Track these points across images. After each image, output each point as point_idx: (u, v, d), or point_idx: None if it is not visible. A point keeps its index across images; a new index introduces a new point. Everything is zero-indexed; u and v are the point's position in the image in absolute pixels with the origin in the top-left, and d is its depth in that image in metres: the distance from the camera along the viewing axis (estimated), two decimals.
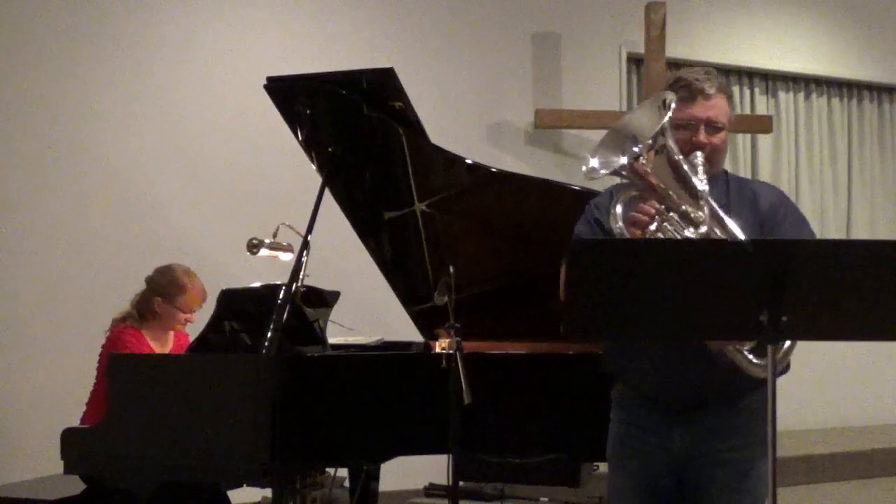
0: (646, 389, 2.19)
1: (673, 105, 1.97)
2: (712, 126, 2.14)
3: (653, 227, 1.94)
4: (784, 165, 6.65)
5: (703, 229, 1.94)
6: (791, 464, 5.45)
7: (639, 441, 2.19)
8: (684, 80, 2.14)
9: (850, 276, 1.72)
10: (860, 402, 6.53)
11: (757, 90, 6.61)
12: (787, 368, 2.04)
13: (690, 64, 6.17)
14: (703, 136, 2.12)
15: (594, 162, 2.00)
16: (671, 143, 1.97)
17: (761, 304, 1.73)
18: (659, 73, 5.60)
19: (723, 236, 1.98)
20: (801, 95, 6.74)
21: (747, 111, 6.51)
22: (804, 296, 1.72)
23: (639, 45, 5.80)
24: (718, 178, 2.20)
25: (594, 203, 2.26)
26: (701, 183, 1.96)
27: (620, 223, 1.96)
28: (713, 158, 2.13)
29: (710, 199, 1.97)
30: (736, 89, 6.52)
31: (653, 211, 1.95)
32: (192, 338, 3.04)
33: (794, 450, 5.63)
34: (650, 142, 1.93)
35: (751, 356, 1.99)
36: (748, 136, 6.52)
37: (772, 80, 6.65)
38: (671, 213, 1.96)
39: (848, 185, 6.86)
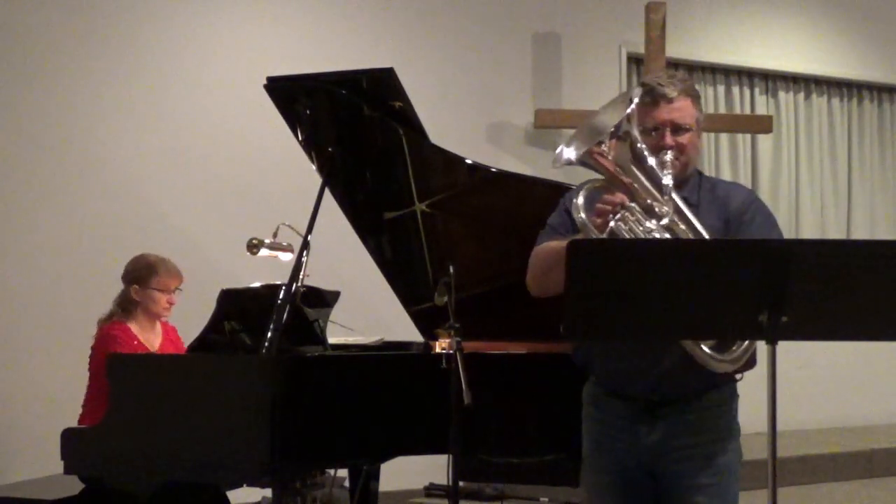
0: (610, 383, 2.24)
1: (636, 100, 2.04)
2: (677, 128, 2.18)
3: (618, 216, 1.99)
4: (784, 165, 6.65)
5: (665, 221, 1.99)
6: (791, 464, 5.45)
7: (609, 438, 2.24)
8: (648, 86, 2.20)
9: (850, 276, 1.72)
10: (860, 402, 6.53)
11: (757, 90, 6.61)
12: (752, 364, 2.08)
13: (690, 64, 6.19)
14: (668, 138, 2.17)
15: (559, 151, 2.08)
16: (635, 132, 2.04)
17: (761, 304, 1.73)
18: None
19: (686, 230, 2.03)
20: (801, 95, 6.74)
21: (747, 111, 6.51)
22: (804, 296, 1.72)
23: (639, 45, 5.80)
24: (691, 179, 2.26)
25: (568, 195, 2.32)
26: (666, 178, 2.03)
27: (583, 214, 2.02)
28: (682, 158, 2.18)
29: (673, 193, 2.03)
30: (736, 89, 6.53)
31: (617, 201, 2.00)
32: (191, 337, 3.04)
33: (793, 450, 5.63)
34: (612, 129, 2.01)
35: (708, 350, 2.02)
36: (748, 136, 6.52)
37: (772, 80, 6.65)
38: (633, 204, 2.01)
39: (848, 185, 6.86)
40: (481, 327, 3.00)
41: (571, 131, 6.19)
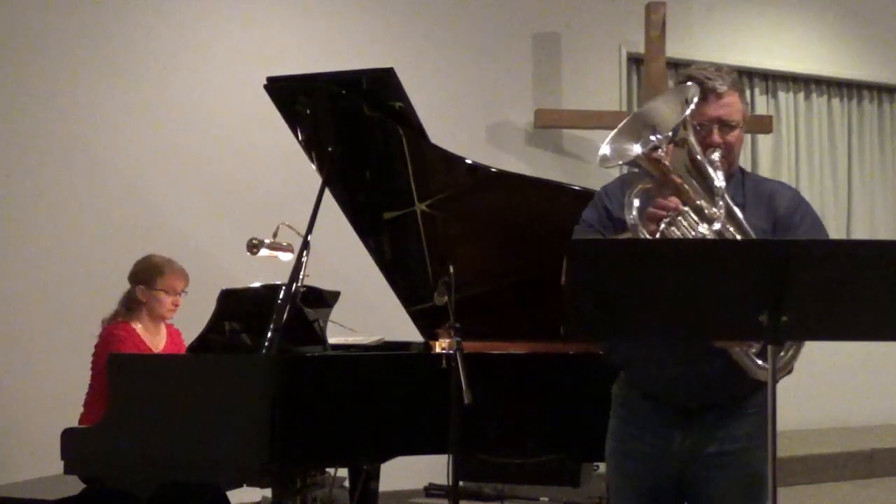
0: (647, 387, 2.17)
1: (696, 99, 1.95)
2: (725, 125, 2.11)
3: (667, 220, 1.93)
4: (784, 165, 6.65)
5: (717, 226, 1.93)
6: (791, 464, 5.44)
7: (638, 441, 2.17)
8: (695, 79, 2.10)
9: (850, 276, 1.72)
10: (860, 402, 6.53)
11: (757, 90, 6.60)
12: (790, 371, 2.03)
13: (690, 64, 6.17)
14: (716, 136, 2.09)
15: (607, 150, 1.99)
16: (692, 139, 1.96)
17: (761, 304, 1.72)
18: (659, 73, 5.61)
19: (737, 234, 1.97)
20: (801, 95, 6.74)
21: (747, 111, 6.50)
22: (804, 296, 1.72)
23: (639, 45, 5.80)
24: (734, 177, 2.19)
25: (604, 190, 2.25)
26: (718, 179, 1.95)
27: (635, 214, 1.95)
28: (729, 156, 2.11)
29: (726, 196, 1.96)
30: None
31: (672, 206, 1.93)
32: (191, 337, 3.03)
33: (794, 450, 5.63)
34: (670, 134, 1.92)
35: (758, 360, 1.98)
36: (748, 136, 6.51)
37: (772, 80, 6.65)
38: (686, 208, 1.95)
39: (848, 185, 6.86)
40: (481, 327, 3.00)
41: (572, 132, 6.18)
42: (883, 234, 6.79)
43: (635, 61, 6.11)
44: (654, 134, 1.94)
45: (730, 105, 2.12)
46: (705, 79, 2.10)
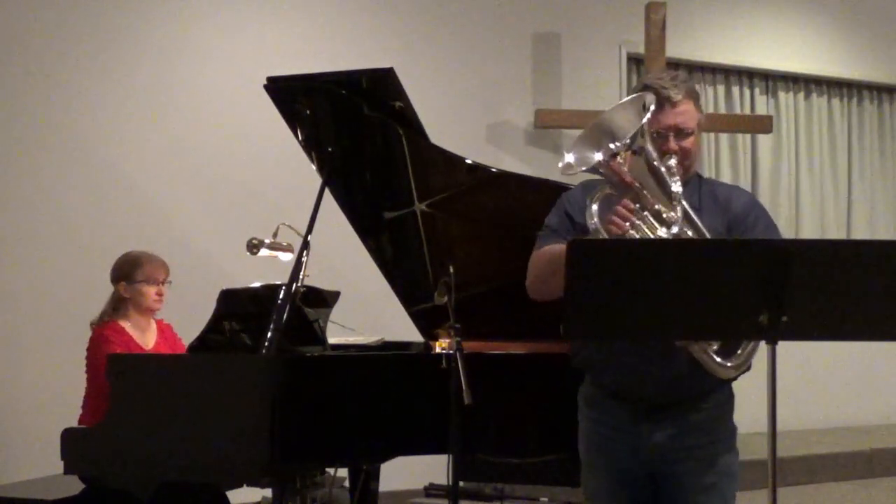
0: (612, 386, 2.22)
1: (652, 108, 2.02)
2: (681, 132, 2.18)
3: (627, 224, 1.99)
4: (784, 165, 6.65)
5: (675, 229, 2.00)
6: (791, 464, 5.45)
7: (608, 439, 2.23)
8: (651, 88, 2.17)
9: (850, 276, 1.72)
10: (860, 402, 6.53)
11: (757, 90, 6.61)
12: (748, 368, 2.10)
13: (690, 64, 6.19)
14: (672, 144, 2.16)
15: (570, 158, 2.07)
16: (650, 147, 2.03)
17: (761, 304, 1.73)
18: None
19: (694, 236, 2.03)
20: (801, 95, 6.74)
21: (747, 111, 6.51)
22: (804, 296, 1.72)
23: (639, 45, 5.80)
24: (691, 181, 2.26)
25: (566, 196, 2.33)
26: (675, 185, 2.02)
27: (596, 220, 2.01)
28: (685, 162, 2.18)
29: (683, 200, 2.03)
30: (736, 89, 6.53)
31: (627, 212, 1.99)
32: (191, 337, 3.04)
33: (794, 450, 5.63)
34: (628, 142, 1.99)
35: (717, 357, 2.04)
36: (748, 136, 6.52)
37: (772, 80, 6.65)
38: (645, 213, 2.01)
39: (848, 185, 6.86)
40: (481, 327, 3.00)
41: (572, 132, 6.18)
42: (883, 234, 6.80)
43: (635, 61, 6.11)
44: (612, 142, 2.00)
45: (684, 113, 2.19)
46: (661, 88, 2.18)
